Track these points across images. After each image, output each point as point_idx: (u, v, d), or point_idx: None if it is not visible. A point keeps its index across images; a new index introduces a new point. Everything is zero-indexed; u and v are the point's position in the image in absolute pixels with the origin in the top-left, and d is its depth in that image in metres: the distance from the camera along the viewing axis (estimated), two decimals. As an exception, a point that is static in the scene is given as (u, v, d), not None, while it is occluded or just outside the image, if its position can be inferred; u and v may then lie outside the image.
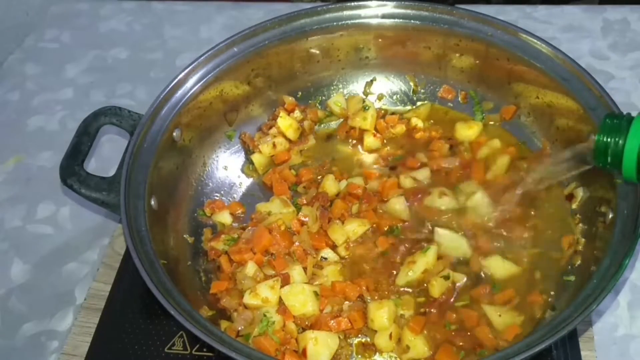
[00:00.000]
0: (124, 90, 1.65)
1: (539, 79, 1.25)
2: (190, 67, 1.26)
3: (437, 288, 1.10)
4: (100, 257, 1.30)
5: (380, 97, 1.45)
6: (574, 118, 1.19)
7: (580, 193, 1.17)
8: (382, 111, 1.41)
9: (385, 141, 1.37)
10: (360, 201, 1.24)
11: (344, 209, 1.22)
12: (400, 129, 1.38)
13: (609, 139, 0.92)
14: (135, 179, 1.11)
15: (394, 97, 1.45)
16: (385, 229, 1.21)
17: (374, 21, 1.36)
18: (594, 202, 1.12)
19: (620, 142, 0.91)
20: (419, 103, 1.42)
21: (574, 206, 1.17)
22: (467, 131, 1.34)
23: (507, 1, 1.78)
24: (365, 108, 1.39)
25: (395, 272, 1.14)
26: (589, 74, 1.18)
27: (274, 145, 1.34)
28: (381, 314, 1.07)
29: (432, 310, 1.09)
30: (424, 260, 1.12)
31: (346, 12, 1.35)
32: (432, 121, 1.39)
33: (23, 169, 1.50)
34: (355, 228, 1.19)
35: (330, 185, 1.26)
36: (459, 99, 1.40)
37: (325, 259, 1.17)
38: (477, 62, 1.34)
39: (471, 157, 1.30)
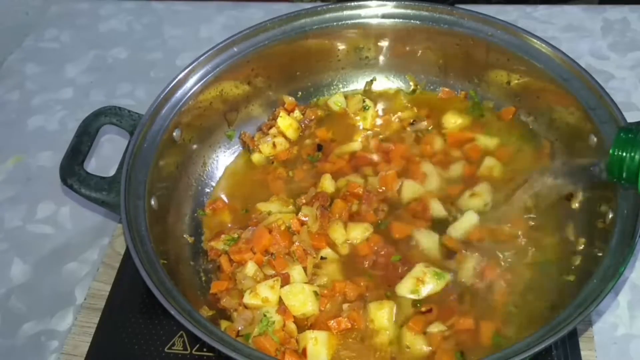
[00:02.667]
0: (124, 90, 1.65)
1: (539, 78, 1.25)
2: (190, 67, 1.26)
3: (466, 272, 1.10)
4: (100, 257, 1.30)
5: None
6: (574, 118, 1.19)
7: (580, 194, 1.17)
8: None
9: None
10: (360, 201, 1.23)
11: (344, 208, 1.22)
12: (396, 126, 1.38)
13: (624, 154, 0.89)
14: (135, 179, 1.11)
15: (394, 97, 1.45)
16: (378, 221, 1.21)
17: (374, 21, 1.36)
18: (594, 202, 1.12)
19: (637, 156, 0.88)
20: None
21: (574, 206, 1.17)
22: (456, 120, 1.34)
23: (507, 1, 1.78)
24: (365, 108, 1.39)
25: (396, 272, 1.13)
26: (589, 73, 1.18)
27: (274, 145, 1.34)
28: (381, 314, 1.07)
29: (432, 309, 1.09)
30: (435, 286, 1.10)
31: (346, 12, 1.35)
32: (409, 104, 1.40)
33: (23, 168, 1.50)
34: (358, 234, 1.18)
35: (328, 185, 1.26)
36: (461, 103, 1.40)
37: (325, 258, 1.16)
38: (477, 62, 1.34)
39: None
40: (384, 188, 1.25)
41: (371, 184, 1.27)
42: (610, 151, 0.91)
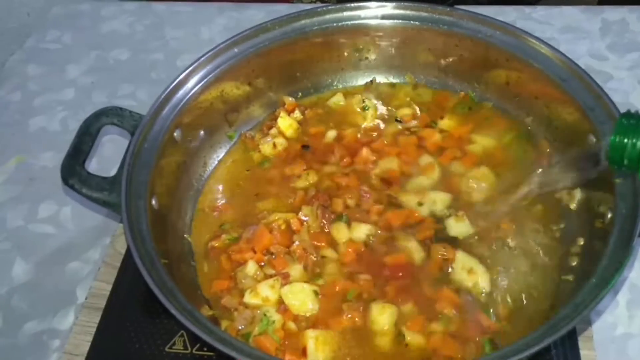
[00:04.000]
0: (125, 90, 1.66)
1: (537, 79, 1.25)
2: (191, 68, 1.26)
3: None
4: (101, 257, 1.30)
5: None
6: (572, 118, 1.20)
7: (578, 193, 1.18)
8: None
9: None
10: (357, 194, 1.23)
11: (344, 205, 1.22)
12: (395, 126, 1.38)
13: (625, 140, 0.88)
14: (136, 179, 1.12)
15: (394, 97, 1.46)
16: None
17: (374, 22, 1.37)
18: (593, 202, 1.12)
19: (638, 143, 0.87)
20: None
21: (572, 206, 1.18)
22: (455, 120, 1.35)
23: (505, 2, 1.79)
24: (365, 108, 1.40)
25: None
26: (587, 74, 1.18)
27: (274, 145, 1.35)
28: (382, 315, 1.07)
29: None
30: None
31: (346, 13, 1.36)
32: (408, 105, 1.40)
33: (25, 169, 1.50)
34: (359, 233, 1.18)
35: (313, 177, 1.27)
36: (459, 99, 1.41)
37: (325, 257, 1.17)
38: (476, 62, 1.34)
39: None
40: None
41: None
42: (611, 138, 0.89)
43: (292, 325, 1.09)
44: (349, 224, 1.20)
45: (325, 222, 1.20)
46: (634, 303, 1.18)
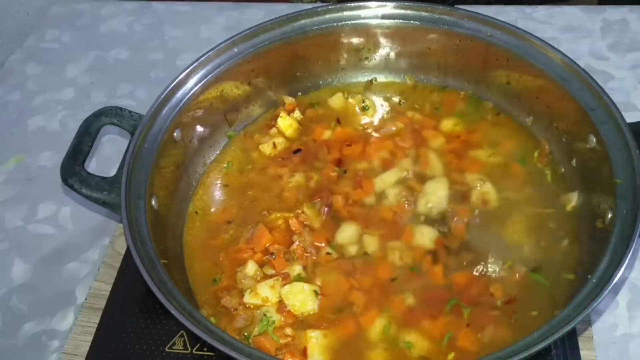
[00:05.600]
0: (125, 90, 1.66)
1: (538, 79, 1.25)
2: (191, 68, 1.26)
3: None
4: (101, 257, 1.30)
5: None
6: (573, 118, 1.20)
7: (574, 197, 1.18)
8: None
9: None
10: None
11: (345, 204, 1.22)
12: (397, 125, 1.38)
13: None
14: (136, 179, 1.11)
15: (394, 97, 1.45)
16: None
17: (374, 22, 1.36)
18: (593, 202, 1.12)
19: None
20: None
21: (567, 209, 1.18)
22: (455, 120, 1.35)
23: (506, 1, 1.79)
24: (365, 108, 1.40)
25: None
26: (588, 74, 1.18)
27: (274, 145, 1.35)
28: (383, 320, 1.07)
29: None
30: None
31: (346, 13, 1.36)
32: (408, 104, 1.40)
33: (24, 169, 1.50)
34: (360, 234, 1.18)
35: (312, 177, 1.27)
36: (459, 99, 1.41)
37: (329, 254, 1.16)
38: (477, 62, 1.34)
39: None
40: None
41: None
42: None
43: (292, 326, 1.08)
44: (349, 224, 1.20)
45: (327, 220, 1.20)
46: (634, 303, 1.18)
